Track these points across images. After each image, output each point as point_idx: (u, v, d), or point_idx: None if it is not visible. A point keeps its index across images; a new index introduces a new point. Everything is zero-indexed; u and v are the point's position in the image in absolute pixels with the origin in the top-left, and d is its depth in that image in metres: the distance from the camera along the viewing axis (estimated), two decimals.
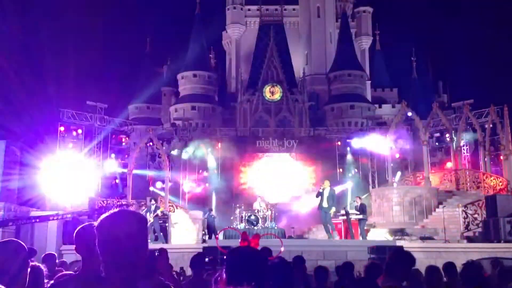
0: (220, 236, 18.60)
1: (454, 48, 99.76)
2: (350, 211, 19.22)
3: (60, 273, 4.35)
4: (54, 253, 8.97)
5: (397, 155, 29.78)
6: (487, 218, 18.17)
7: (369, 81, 53.93)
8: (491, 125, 26.64)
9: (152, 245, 16.12)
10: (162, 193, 27.13)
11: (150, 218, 19.79)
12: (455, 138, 27.77)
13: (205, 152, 32.07)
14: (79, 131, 28.37)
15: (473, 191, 25.18)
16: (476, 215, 20.49)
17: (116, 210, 2.13)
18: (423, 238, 19.18)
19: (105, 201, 25.79)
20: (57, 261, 8.43)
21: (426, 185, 25.34)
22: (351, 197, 26.95)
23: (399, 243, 16.62)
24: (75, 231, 3.07)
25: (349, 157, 32.25)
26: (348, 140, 32.38)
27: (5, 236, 17.43)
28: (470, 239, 19.06)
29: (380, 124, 39.90)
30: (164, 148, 29.43)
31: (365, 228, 19.79)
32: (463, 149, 29.78)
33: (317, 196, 18.96)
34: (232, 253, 2.43)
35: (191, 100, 47.95)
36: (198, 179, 31.76)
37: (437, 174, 28.03)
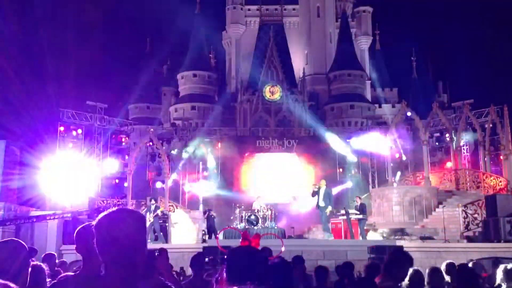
0: (220, 236, 18.60)
1: (454, 48, 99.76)
2: (350, 211, 19.24)
3: (62, 274, 4.35)
4: (54, 253, 8.97)
5: (397, 155, 29.78)
6: (487, 218, 18.18)
7: (369, 81, 53.91)
8: (491, 125, 26.65)
9: (152, 245, 16.12)
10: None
11: (150, 218, 19.79)
12: (455, 138, 27.77)
13: (205, 152, 32.06)
14: (79, 131, 28.38)
15: (473, 191, 25.20)
16: (476, 215, 20.50)
17: (114, 209, 2.12)
18: (423, 238, 19.19)
19: (105, 201, 25.81)
20: (57, 261, 8.43)
21: (426, 185, 25.35)
22: (351, 197, 26.96)
23: (399, 243, 16.62)
24: (76, 231, 3.07)
25: (349, 156, 32.24)
26: (348, 140, 32.37)
27: (5, 235, 17.44)
28: (470, 239, 19.08)
29: (380, 124, 39.90)
30: (164, 148, 29.42)
31: (365, 228, 19.82)
32: (463, 149, 29.79)
33: (313, 196, 19.03)
34: (233, 252, 2.43)
35: (191, 100, 47.92)
36: (198, 179, 31.75)
37: (437, 174, 28.03)
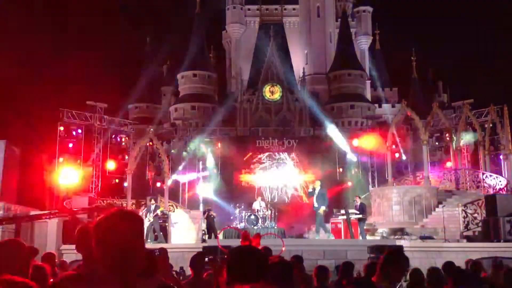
0: (220, 235, 18.62)
1: (454, 48, 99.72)
2: (350, 211, 19.25)
3: (63, 273, 4.36)
4: (54, 252, 8.98)
5: (397, 155, 29.80)
6: (487, 218, 18.18)
7: (369, 81, 53.91)
8: (491, 125, 26.67)
9: (152, 245, 16.13)
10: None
11: (150, 217, 19.80)
12: (455, 138, 27.78)
13: (205, 151, 32.08)
14: (79, 131, 28.39)
15: (473, 190, 25.21)
16: (475, 215, 20.51)
17: (113, 210, 2.13)
18: (423, 238, 19.18)
19: (105, 201, 25.81)
20: (56, 260, 8.44)
21: (426, 184, 25.34)
22: (351, 196, 26.97)
23: (399, 242, 16.63)
24: (76, 230, 3.07)
25: (349, 156, 32.26)
26: (348, 140, 32.39)
27: (5, 235, 17.47)
28: (469, 239, 19.08)
29: (380, 124, 39.90)
30: (164, 148, 29.42)
31: (365, 228, 19.83)
32: (463, 148, 29.79)
33: (308, 196, 19.13)
34: (233, 252, 2.44)
35: (191, 99, 47.90)
36: (198, 178, 31.76)
37: (436, 173, 28.04)
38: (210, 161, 32.03)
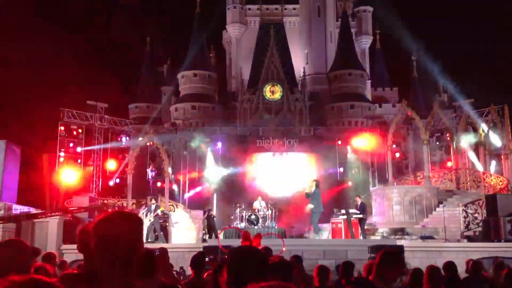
0: (221, 235, 18.62)
1: (454, 48, 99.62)
2: (350, 211, 19.24)
3: (63, 273, 4.36)
4: (54, 252, 8.98)
5: (397, 155, 29.80)
6: (487, 217, 18.19)
7: (370, 81, 53.87)
8: (491, 125, 26.68)
9: (152, 245, 16.14)
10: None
11: (150, 217, 19.81)
12: (455, 138, 27.79)
13: (206, 151, 32.08)
14: (79, 130, 28.40)
15: (473, 190, 25.22)
16: (476, 215, 20.52)
17: (112, 211, 2.14)
18: (423, 238, 19.18)
19: (105, 201, 25.82)
20: (57, 260, 8.44)
21: (426, 184, 25.35)
22: (351, 196, 26.97)
23: (399, 242, 16.63)
24: (78, 230, 3.08)
25: (349, 156, 32.25)
26: (348, 140, 32.38)
27: (5, 235, 17.48)
28: (470, 239, 19.07)
29: (381, 124, 39.88)
30: (164, 147, 29.42)
31: (365, 228, 19.82)
32: (463, 148, 29.79)
33: (306, 197, 19.14)
34: (234, 252, 2.44)
35: (191, 99, 47.85)
36: (199, 178, 31.76)
37: (437, 173, 28.04)
38: (210, 161, 32.03)
